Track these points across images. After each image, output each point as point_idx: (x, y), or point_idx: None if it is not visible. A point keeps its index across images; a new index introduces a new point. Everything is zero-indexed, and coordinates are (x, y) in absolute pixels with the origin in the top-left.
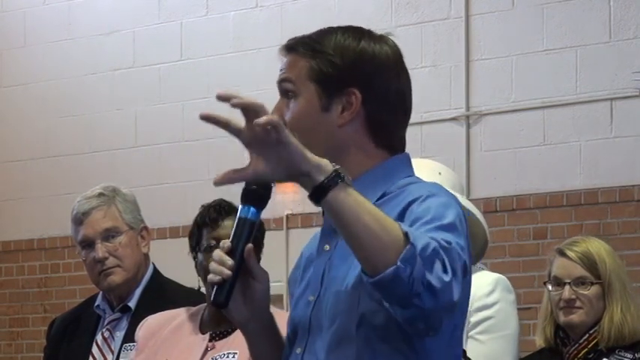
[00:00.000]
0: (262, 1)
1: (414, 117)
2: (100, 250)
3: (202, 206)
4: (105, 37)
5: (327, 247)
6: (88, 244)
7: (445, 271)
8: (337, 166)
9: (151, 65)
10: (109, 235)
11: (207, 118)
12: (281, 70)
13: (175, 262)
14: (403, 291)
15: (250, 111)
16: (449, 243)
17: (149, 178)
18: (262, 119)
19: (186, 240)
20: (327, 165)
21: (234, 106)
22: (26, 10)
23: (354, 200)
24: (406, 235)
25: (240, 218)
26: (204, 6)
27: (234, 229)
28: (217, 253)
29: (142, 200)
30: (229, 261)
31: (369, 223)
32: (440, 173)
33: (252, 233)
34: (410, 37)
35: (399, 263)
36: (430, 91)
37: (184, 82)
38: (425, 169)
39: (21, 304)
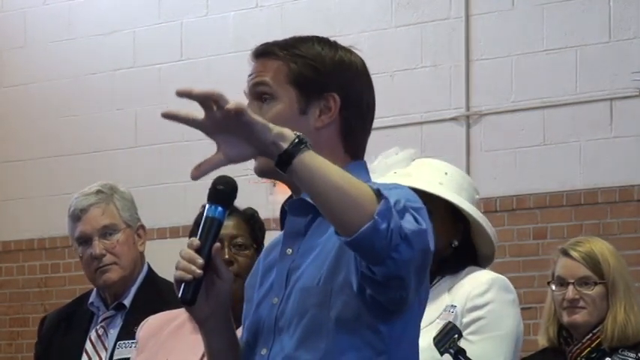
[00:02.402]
0: (262, 1)
1: (414, 117)
2: (98, 246)
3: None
4: (105, 37)
5: (289, 250)
6: (85, 240)
7: (417, 221)
8: (298, 133)
9: (151, 65)
10: (106, 232)
11: (167, 116)
12: (252, 74)
13: (175, 262)
14: (381, 244)
15: (210, 101)
16: (419, 206)
17: (149, 178)
18: (231, 105)
19: (186, 240)
20: (289, 132)
21: (196, 97)
22: (26, 10)
23: (321, 162)
24: (377, 191)
25: (207, 217)
26: (204, 6)
27: (201, 228)
28: (187, 252)
29: (142, 200)
30: (200, 259)
31: (339, 182)
32: (446, 173)
33: (220, 232)
34: (410, 37)
35: (375, 217)
36: (430, 91)
37: (184, 82)
38: (431, 168)
39: (21, 304)
